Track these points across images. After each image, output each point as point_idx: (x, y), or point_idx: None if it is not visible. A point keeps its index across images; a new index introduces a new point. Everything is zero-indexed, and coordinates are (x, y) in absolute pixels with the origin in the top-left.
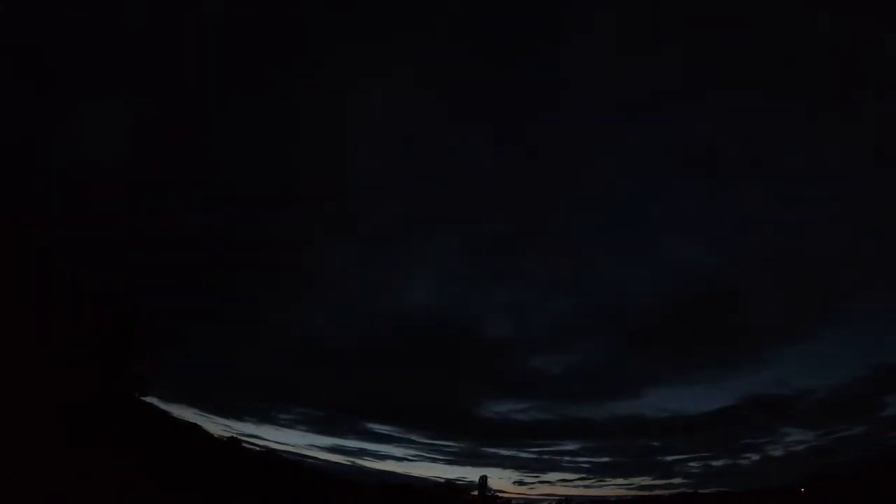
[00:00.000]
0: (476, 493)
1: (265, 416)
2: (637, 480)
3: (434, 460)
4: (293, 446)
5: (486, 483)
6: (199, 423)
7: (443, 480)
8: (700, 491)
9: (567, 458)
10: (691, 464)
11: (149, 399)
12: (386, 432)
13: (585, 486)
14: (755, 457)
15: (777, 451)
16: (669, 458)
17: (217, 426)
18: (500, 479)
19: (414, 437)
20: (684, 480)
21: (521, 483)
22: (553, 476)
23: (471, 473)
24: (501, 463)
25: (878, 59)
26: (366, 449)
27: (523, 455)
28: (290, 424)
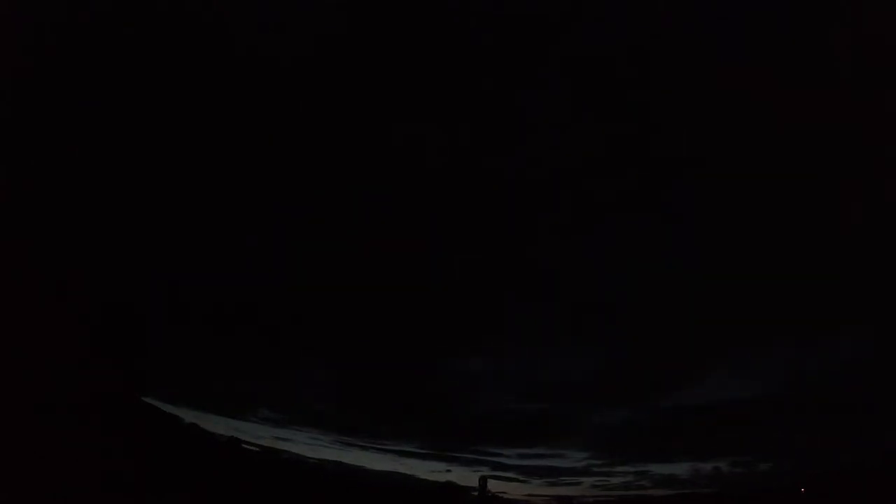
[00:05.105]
0: (476, 493)
1: (265, 416)
2: (636, 480)
3: (434, 460)
4: (293, 446)
5: (486, 484)
6: (198, 423)
7: (443, 481)
8: (700, 491)
9: (567, 459)
10: (691, 464)
11: (149, 399)
12: (386, 432)
13: (586, 487)
14: (754, 457)
15: (774, 451)
16: (668, 459)
17: (217, 426)
18: (500, 481)
19: (413, 438)
20: (684, 481)
21: (520, 483)
22: (553, 477)
23: (471, 474)
24: (502, 464)
25: None
26: (366, 449)
27: (523, 456)
28: (290, 424)
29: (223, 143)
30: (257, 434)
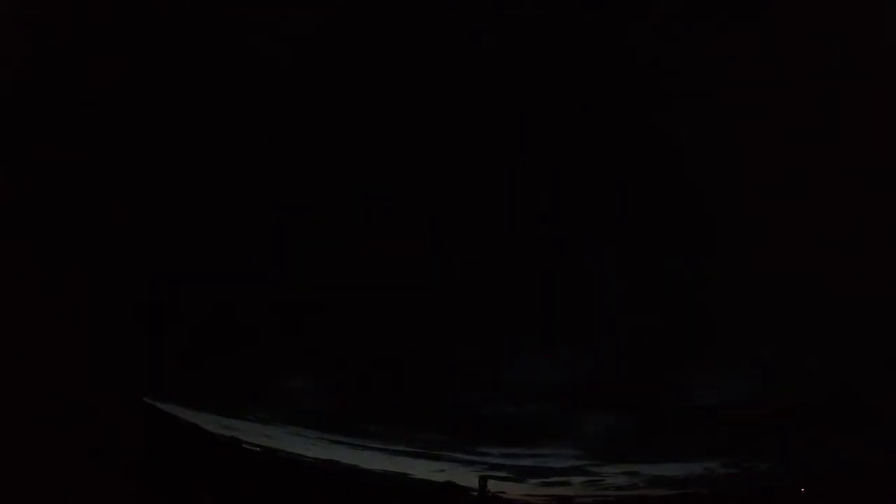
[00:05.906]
0: (476, 493)
1: (265, 416)
2: (636, 480)
3: (433, 460)
4: (293, 445)
5: (486, 484)
6: (198, 423)
7: (442, 481)
8: (699, 491)
9: (567, 459)
10: (690, 464)
11: (149, 399)
12: (385, 432)
13: (585, 486)
14: (753, 457)
15: (774, 451)
16: (668, 459)
17: (217, 426)
18: (500, 481)
19: (413, 437)
20: (683, 480)
21: (520, 483)
22: (552, 477)
23: (470, 474)
24: (501, 464)
25: None
26: (365, 449)
27: (522, 456)
28: (290, 424)
29: (223, 143)
30: (257, 434)
